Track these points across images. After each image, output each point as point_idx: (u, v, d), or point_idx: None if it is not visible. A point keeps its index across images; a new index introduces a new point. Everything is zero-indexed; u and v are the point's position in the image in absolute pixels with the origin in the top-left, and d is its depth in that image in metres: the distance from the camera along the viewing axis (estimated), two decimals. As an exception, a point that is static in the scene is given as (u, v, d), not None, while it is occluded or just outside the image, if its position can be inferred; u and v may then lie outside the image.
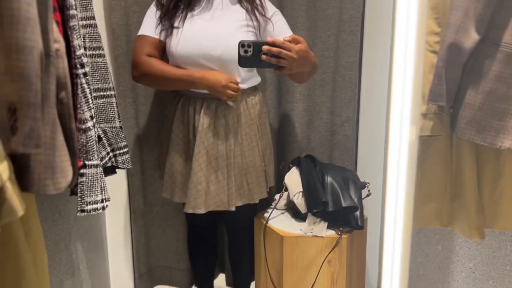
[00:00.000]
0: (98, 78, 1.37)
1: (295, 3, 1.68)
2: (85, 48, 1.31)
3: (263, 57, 1.19)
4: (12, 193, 0.68)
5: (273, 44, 1.18)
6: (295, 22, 1.68)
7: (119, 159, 1.47)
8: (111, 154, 1.45)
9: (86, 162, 1.12)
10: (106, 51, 1.63)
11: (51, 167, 0.84)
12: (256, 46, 1.19)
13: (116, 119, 1.45)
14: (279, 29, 1.46)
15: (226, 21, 1.42)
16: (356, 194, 1.54)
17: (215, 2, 1.45)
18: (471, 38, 1.17)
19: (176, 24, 1.41)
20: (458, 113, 1.29)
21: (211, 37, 1.39)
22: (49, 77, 0.81)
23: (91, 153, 1.12)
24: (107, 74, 1.40)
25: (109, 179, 1.46)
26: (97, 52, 1.35)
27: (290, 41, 1.21)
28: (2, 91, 0.69)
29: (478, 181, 1.39)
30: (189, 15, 1.42)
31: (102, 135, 1.42)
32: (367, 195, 1.60)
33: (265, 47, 1.18)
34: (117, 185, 1.75)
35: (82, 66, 1.09)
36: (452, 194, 1.44)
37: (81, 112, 1.10)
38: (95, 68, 1.36)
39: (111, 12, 1.62)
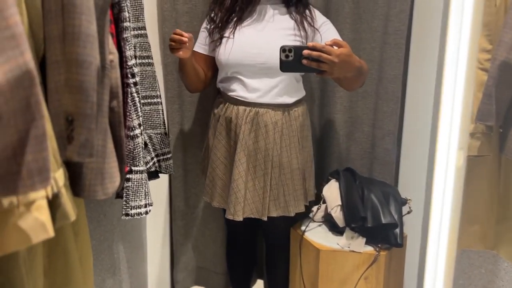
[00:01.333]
0: (146, 86, 1.42)
1: (340, 15, 1.68)
2: (135, 57, 1.37)
3: (304, 61, 1.18)
4: (66, 198, 0.72)
5: (313, 48, 1.17)
6: (339, 34, 1.67)
7: (163, 164, 1.52)
8: (155, 159, 1.50)
9: (133, 168, 1.16)
10: (157, 59, 1.70)
11: (101, 173, 0.88)
12: (297, 50, 1.19)
13: (161, 125, 1.49)
14: (327, 38, 1.45)
15: (274, 31, 1.47)
16: (396, 211, 1.52)
17: (265, 14, 1.48)
18: (525, 56, 1.13)
19: (226, 35, 1.47)
20: (507, 133, 1.24)
21: (257, 45, 1.44)
22: (103, 88, 0.85)
23: (137, 159, 1.16)
24: (155, 82, 1.45)
25: (151, 181, 1.51)
26: (146, 61, 1.40)
27: (331, 45, 1.20)
28: (61, 102, 0.73)
29: (527, 204, 1.33)
30: (239, 26, 1.47)
31: (147, 141, 1.47)
32: (408, 212, 1.57)
33: (305, 51, 1.17)
34: (158, 187, 1.80)
35: (133, 76, 1.14)
36: (499, 217, 1.39)
37: (130, 119, 1.14)
38: (144, 76, 1.41)
39: (164, 22, 1.67)
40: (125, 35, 1.10)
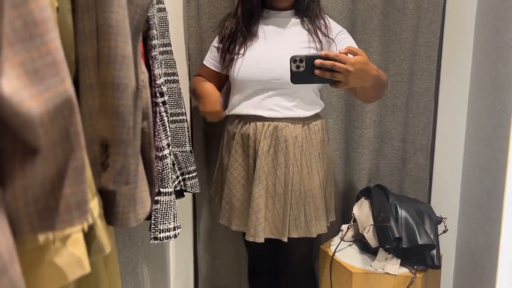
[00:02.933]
0: (172, 103, 1.39)
1: (368, 28, 1.63)
2: (163, 74, 1.34)
3: (316, 71, 1.09)
4: (102, 230, 0.68)
5: (326, 57, 1.08)
6: (367, 46, 1.63)
7: (188, 183, 1.48)
8: (180, 178, 1.46)
9: (161, 190, 1.12)
10: (183, 74, 1.66)
11: (133, 199, 0.84)
12: (309, 60, 1.09)
13: (187, 143, 1.46)
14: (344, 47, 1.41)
15: (287, 44, 1.40)
16: (432, 230, 1.45)
17: (277, 27, 1.42)
18: None
19: (237, 51, 1.41)
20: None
21: (271, 60, 1.37)
22: (136, 110, 0.81)
23: (166, 180, 1.12)
24: (180, 100, 1.41)
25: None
26: (172, 78, 1.37)
27: (346, 53, 1.11)
28: (96, 127, 0.69)
29: None
30: (249, 42, 1.41)
31: (173, 159, 1.43)
32: (444, 231, 1.50)
33: (317, 61, 1.08)
34: (183, 205, 1.76)
35: (162, 95, 1.10)
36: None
37: (159, 139, 1.11)
38: (170, 93, 1.38)
39: (190, 38, 1.65)
40: (153, 53, 1.06)
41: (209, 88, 1.44)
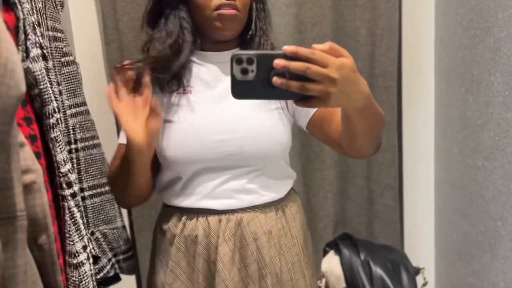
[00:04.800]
0: (94, 173, 1.14)
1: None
2: (75, 141, 1.08)
3: (275, 80, 0.63)
4: None
5: (293, 56, 0.62)
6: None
7: (123, 265, 1.23)
8: (113, 260, 1.20)
9: (80, 306, 0.86)
10: (110, 129, 1.40)
11: None
12: (264, 60, 0.64)
13: (117, 218, 1.20)
14: None
15: (239, 102, 0.78)
16: (411, 287, 1.28)
17: (222, 73, 0.98)
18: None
19: (169, 118, 0.95)
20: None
21: (219, 127, 0.94)
22: (14, 250, 0.56)
23: (85, 293, 0.86)
24: (104, 166, 1.16)
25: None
26: (90, 142, 1.12)
27: (326, 51, 0.64)
28: None
29: None
30: (183, 101, 0.97)
31: (101, 239, 1.18)
32: (423, 285, 1.34)
33: (278, 62, 0.62)
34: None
35: (69, 185, 0.85)
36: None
37: (71, 243, 0.85)
38: (89, 161, 1.12)
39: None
40: (53, 135, 0.81)
41: None
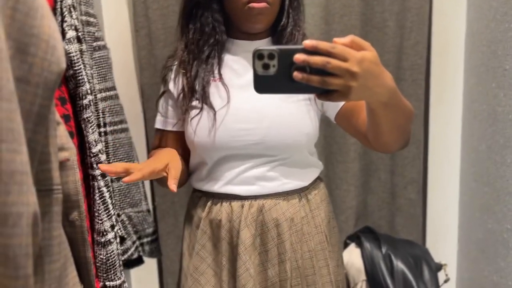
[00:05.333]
0: (121, 156, 1.16)
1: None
2: (105, 125, 1.10)
3: (296, 75, 0.64)
4: None
5: (313, 50, 0.62)
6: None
7: (147, 248, 1.25)
8: (137, 242, 1.23)
9: (107, 283, 0.89)
10: (137, 113, 1.42)
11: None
12: (285, 55, 0.65)
13: (142, 201, 1.23)
14: None
15: None
16: (432, 283, 1.27)
17: (248, 65, 0.98)
18: None
19: (195, 104, 0.98)
20: None
21: (246, 116, 0.95)
22: (51, 221, 0.58)
23: (112, 271, 0.89)
24: (131, 151, 1.18)
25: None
26: (119, 127, 1.14)
27: (347, 45, 0.64)
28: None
29: None
30: (212, 88, 0.98)
31: (126, 222, 1.20)
32: (445, 281, 1.32)
33: (299, 57, 0.62)
34: (146, 276, 1.51)
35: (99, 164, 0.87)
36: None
37: (100, 221, 0.87)
38: (117, 145, 1.15)
39: (142, 71, 1.40)
40: (86, 115, 0.83)
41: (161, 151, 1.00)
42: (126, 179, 0.77)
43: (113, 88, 1.12)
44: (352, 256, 1.36)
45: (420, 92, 1.44)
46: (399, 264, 1.28)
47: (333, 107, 1.00)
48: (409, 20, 1.40)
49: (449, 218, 1.47)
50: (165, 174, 0.88)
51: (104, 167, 0.78)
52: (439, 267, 1.34)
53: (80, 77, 0.81)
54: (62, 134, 0.74)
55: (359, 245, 1.37)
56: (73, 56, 0.80)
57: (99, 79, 1.09)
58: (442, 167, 1.47)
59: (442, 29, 1.41)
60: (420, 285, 1.23)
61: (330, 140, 1.53)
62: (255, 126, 0.95)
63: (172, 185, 0.83)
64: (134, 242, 1.22)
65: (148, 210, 1.24)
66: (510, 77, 1.11)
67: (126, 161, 1.17)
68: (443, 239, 1.49)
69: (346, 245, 1.44)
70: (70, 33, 0.82)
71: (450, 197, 1.46)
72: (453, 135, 1.44)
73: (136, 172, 0.80)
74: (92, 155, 0.85)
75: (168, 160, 0.91)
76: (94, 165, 0.85)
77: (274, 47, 0.65)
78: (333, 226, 1.09)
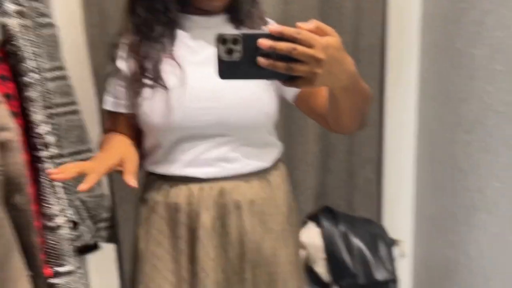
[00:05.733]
0: (73, 139, 1.11)
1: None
2: (54, 106, 1.05)
3: (261, 60, 0.62)
4: None
5: (279, 36, 0.61)
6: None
7: (103, 233, 1.22)
8: (93, 228, 1.19)
9: (58, 269, 0.86)
10: (89, 97, 1.36)
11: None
12: (249, 41, 0.63)
13: (96, 185, 1.19)
14: None
15: None
16: (388, 259, 1.31)
17: (204, 42, 0.95)
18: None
19: (147, 83, 0.93)
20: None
21: (203, 94, 0.91)
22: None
23: (63, 256, 0.86)
24: (84, 133, 1.14)
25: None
26: (69, 108, 1.09)
27: (312, 31, 0.63)
28: None
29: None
30: (165, 65, 0.93)
31: (80, 206, 1.16)
32: (401, 256, 1.37)
33: (263, 42, 0.61)
34: (104, 262, 1.47)
35: (46, 146, 0.83)
36: None
37: (47, 205, 0.84)
38: (69, 127, 1.10)
39: (94, 50, 1.34)
40: (27, 93, 0.79)
41: (111, 139, 0.96)
42: (83, 187, 0.72)
43: (61, 67, 1.06)
44: (311, 235, 1.38)
45: (376, 72, 1.46)
46: (356, 242, 1.31)
47: (291, 89, 0.98)
48: (365, 0, 1.41)
49: (405, 195, 1.51)
50: (120, 168, 0.84)
51: (54, 175, 0.73)
52: (393, 243, 1.38)
53: (20, 53, 0.76)
54: (2, 114, 0.70)
55: (318, 224, 1.39)
56: (12, 30, 0.75)
57: (47, 58, 1.03)
58: (398, 147, 1.51)
59: (398, 9, 1.43)
60: (377, 261, 1.27)
61: (290, 121, 1.53)
62: (213, 105, 0.92)
63: (132, 180, 0.79)
64: (89, 227, 1.18)
65: (103, 194, 1.20)
66: (462, 56, 1.14)
67: (79, 144, 1.12)
68: (399, 216, 1.53)
69: (304, 223, 1.45)
70: (9, 6, 0.77)
71: (406, 174, 1.50)
72: (409, 115, 1.47)
73: (91, 175, 0.75)
74: (36, 136, 0.81)
75: (122, 152, 0.87)
76: (39, 146, 0.81)
77: (238, 32, 0.63)
78: (293, 207, 1.09)
